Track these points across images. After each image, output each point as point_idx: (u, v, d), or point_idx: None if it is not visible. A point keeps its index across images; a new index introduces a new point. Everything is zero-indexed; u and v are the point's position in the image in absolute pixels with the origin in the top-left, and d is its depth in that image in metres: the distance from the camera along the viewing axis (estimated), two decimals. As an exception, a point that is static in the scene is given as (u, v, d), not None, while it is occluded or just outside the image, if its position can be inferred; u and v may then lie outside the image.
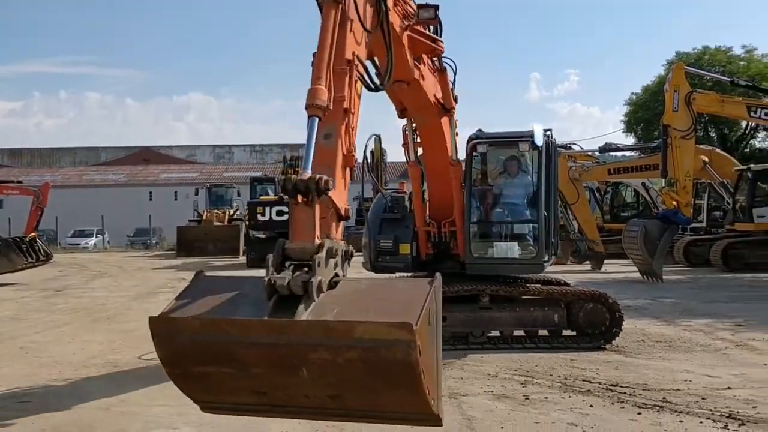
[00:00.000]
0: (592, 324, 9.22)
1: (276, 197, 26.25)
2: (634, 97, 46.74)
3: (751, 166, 22.08)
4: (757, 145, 44.43)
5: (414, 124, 9.04)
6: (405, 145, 9.48)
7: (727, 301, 14.21)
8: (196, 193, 35.87)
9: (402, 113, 8.81)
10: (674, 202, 18.15)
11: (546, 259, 9.23)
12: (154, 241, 42.83)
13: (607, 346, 9.13)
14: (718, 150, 24.78)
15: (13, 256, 19.85)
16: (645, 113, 43.47)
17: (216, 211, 33.67)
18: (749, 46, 44.08)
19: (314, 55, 5.52)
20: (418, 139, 9.20)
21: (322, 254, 4.52)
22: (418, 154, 9.31)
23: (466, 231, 9.27)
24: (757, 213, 20.91)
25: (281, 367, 4.39)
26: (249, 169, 62.38)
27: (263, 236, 25.94)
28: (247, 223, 25.26)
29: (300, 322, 4.22)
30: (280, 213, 24.79)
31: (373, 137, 27.71)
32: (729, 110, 19.68)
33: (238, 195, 36.27)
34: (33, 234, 20.75)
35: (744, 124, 40.78)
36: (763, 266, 20.85)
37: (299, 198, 4.64)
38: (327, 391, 4.40)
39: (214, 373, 4.51)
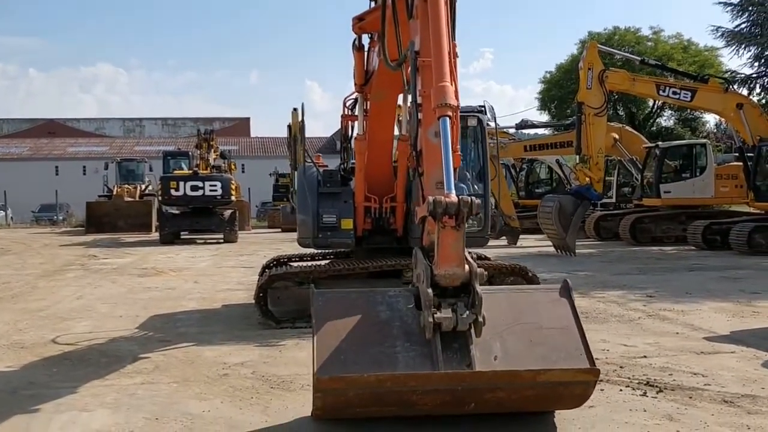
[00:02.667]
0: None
1: (190, 171, 25.57)
2: (548, 75, 47.65)
3: (659, 143, 22.88)
4: (663, 123, 46.13)
5: (368, 99, 8.77)
6: (347, 117, 9.26)
7: (638, 273, 14.67)
8: (106, 168, 34.69)
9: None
10: (587, 178, 18.61)
11: (489, 232, 9.29)
12: (61, 218, 41.20)
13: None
14: (627, 127, 25.58)
15: None
16: (558, 91, 44.41)
17: (127, 186, 32.68)
18: (656, 28, 45.77)
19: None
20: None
21: (476, 283, 4.74)
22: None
23: (413, 205, 9.17)
24: (663, 189, 21.67)
25: (451, 405, 4.80)
26: (161, 143, 60.78)
27: (176, 212, 25.32)
28: (160, 198, 24.50)
29: (486, 373, 4.60)
30: (194, 188, 24.23)
31: (294, 110, 27.37)
32: (639, 89, 20.24)
33: (150, 170, 35.22)
34: None
35: (651, 102, 42.19)
36: (668, 239, 21.71)
37: (446, 220, 4.71)
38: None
39: (374, 411, 4.80)
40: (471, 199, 4.79)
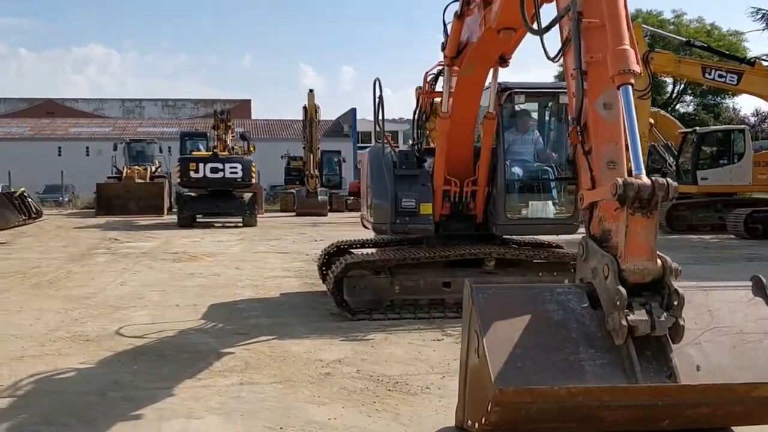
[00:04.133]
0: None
1: (209, 153, 24.81)
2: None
3: (697, 128, 22.25)
4: (681, 110, 45.40)
5: (455, 75, 8.07)
6: (427, 93, 8.57)
7: (694, 263, 14.04)
8: (115, 149, 33.83)
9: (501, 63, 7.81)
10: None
11: (580, 219, 8.66)
12: (66, 199, 40.35)
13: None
14: (662, 112, 24.92)
15: (7, 213, 17.37)
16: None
17: (137, 167, 31.85)
18: (679, 11, 44.86)
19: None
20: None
21: (671, 280, 4.15)
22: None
23: (501, 190, 8.52)
24: (700, 175, 21.08)
25: (643, 422, 4.19)
26: (164, 124, 59.89)
27: (194, 194, 24.61)
28: (178, 180, 23.76)
29: (695, 387, 3.99)
30: (214, 170, 23.56)
31: (310, 91, 26.64)
32: (684, 71, 19.61)
33: (160, 151, 34.45)
34: (22, 189, 18.68)
35: (670, 88, 41.49)
36: (704, 227, 21.16)
37: (634, 206, 4.12)
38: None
39: (551, 427, 4.23)
40: (667, 182, 4.14)
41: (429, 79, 8.59)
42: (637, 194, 4.10)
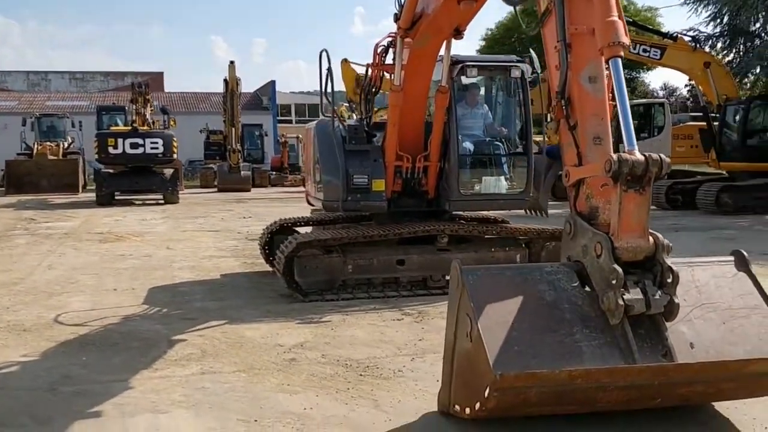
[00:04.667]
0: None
1: (129, 128, 23.80)
2: (489, 33, 47.19)
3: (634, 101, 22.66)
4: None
5: (407, 47, 7.81)
6: (377, 66, 8.28)
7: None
8: (24, 124, 32.03)
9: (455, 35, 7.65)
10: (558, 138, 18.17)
11: (531, 194, 8.60)
12: (-32, 176, 38.11)
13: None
14: (586, 86, 25.27)
15: None
16: (501, 48, 43.83)
17: (49, 143, 30.31)
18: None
19: None
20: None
21: (663, 256, 4.08)
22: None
23: (454, 165, 8.34)
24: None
25: (637, 401, 4.12)
26: (73, 97, 57.28)
27: (113, 171, 23.60)
28: (96, 156, 22.74)
29: (693, 366, 3.91)
30: (134, 145, 22.64)
31: (231, 63, 25.81)
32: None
33: (72, 126, 32.89)
34: None
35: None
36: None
37: (627, 182, 4.04)
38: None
39: (547, 410, 4.13)
40: (660, 157, 4.07)
41: (379, 50, 8.33)
42: (631, 170, 4.01)
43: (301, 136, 44.38)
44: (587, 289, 4.25)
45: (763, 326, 4.18)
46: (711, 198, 17.97)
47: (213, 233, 15.05)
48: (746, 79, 24.15)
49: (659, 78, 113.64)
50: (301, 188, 35.37)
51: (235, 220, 17.90)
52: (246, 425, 4.46)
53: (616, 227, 4.13)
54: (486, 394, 3.81)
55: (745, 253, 4.52)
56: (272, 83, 54.20)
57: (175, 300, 8.27)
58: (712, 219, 16.96)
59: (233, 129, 30.07)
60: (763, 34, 23.48)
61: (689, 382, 4.02)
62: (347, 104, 20.85)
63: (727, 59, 23.33)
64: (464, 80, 8.61)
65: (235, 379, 5.37)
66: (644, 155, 4.06)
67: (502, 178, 8.71)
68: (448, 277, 8.47)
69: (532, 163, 8.64)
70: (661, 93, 50.82)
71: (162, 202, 23.57)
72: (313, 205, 9.85)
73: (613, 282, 3.98)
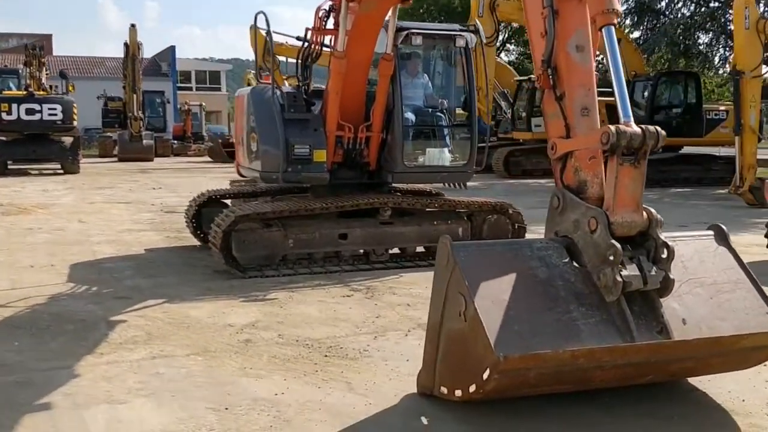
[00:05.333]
0: (496, 237, 8.63)
1: (24, 92, 22.32)
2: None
3: (532, 76, 22.90)
4: (506, 58, 46.76)
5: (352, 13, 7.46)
6: (318, 31, 7.90)
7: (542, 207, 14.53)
8: None
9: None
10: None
11: (474, 167, 8.47)
12: None
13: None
14: (499, 60, 25.48)
15: None
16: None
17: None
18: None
19: None
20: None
21: (657, 232, 4.00)
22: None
23: (398, 136, 8.08)
24: (534, 122, 21.90)
25: (629, 378, 4.10)
26: (-47, 59, 53.43)
27: (6, 138, 22.15)
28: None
29: (689, 342, 3.86)
30: (30, 111, 21.36)
31: (132, 26, 24.72)
32: (527, 19, 20.03)
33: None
34: None
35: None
36: (537, 172, 22.11)
37: (623, 155, 3.93)
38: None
39: (544, 390, 4.04)
40: (657, 130, 3.97)
41: (321, 14, 7.97)
42: (629, 143, 3.90)
43: (204, 103, 43.23)
44: (576, 265, 4.14)
45: (748, 300, 4.18)
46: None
47: (124, 205, 14.34)
48: (652, 56, 24.96)
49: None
50: (206, 158, 34.59)
51: (145, 192, 17.15)
52: (217, 414, 4.14)
53: (611, 201, 4.01)
54: (485, 376, 3.64)
55: (724, 227, 4.51)
56: (172, 48, 52.39)
57: (103, 277, 7.73)
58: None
59: (134, 96, 28.83)
60: (668, 12, 24.24)
61: (683, 358, 3.98)
62: (254, 72, 20.34)
63: (633, 35, 24.00)
64: (407, 49, 8.38)
65: (191, 363, 5.02)
66: (641, 128, 3.95)
67: (446, 150, 8.56)
68: (391, 251, 8.41)
69: (476, 135, 8.53)
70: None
71: (61, 171, 22.39)
72: (244, 176, 9.43)
73: (611, 258, 3.87)
